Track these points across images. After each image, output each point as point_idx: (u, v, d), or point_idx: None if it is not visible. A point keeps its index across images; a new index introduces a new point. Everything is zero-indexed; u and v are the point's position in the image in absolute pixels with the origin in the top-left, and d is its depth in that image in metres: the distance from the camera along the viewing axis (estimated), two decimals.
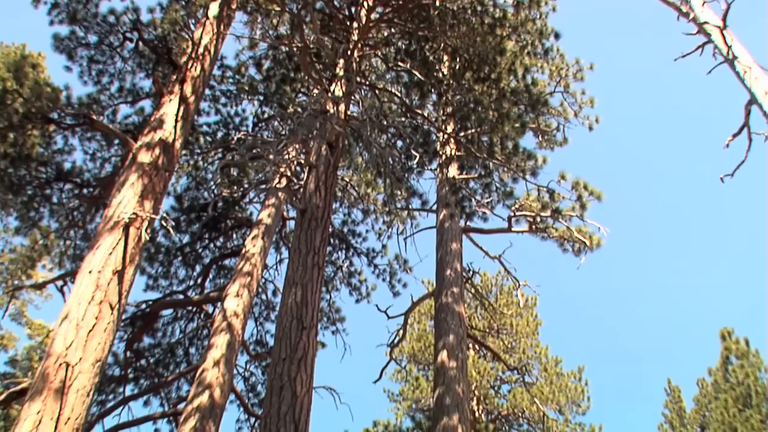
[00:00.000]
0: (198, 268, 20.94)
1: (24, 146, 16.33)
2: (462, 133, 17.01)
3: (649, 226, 69.59)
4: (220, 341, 14.00)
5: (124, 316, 13.26)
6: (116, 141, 17.22)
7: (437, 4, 13.84)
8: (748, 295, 60.71)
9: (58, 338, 8.67)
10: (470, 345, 26.92)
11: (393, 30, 15.67)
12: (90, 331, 8.82)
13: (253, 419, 20.52)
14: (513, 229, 18.33)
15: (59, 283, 17.81)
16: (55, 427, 7.85)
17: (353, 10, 15.34)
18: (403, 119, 16.04)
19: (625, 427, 56.65)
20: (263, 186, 19.03)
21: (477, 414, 27.68)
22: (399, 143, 17.21)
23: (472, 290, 21.32)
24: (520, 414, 27.77)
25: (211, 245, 21.25)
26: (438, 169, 18.48)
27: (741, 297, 61.50)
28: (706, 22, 12.53)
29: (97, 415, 17.39)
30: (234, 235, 21.51)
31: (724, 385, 29.08)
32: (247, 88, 19.85)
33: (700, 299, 65.95)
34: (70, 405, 8.13)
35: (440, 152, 17.87)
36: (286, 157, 16.79)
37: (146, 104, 17.59)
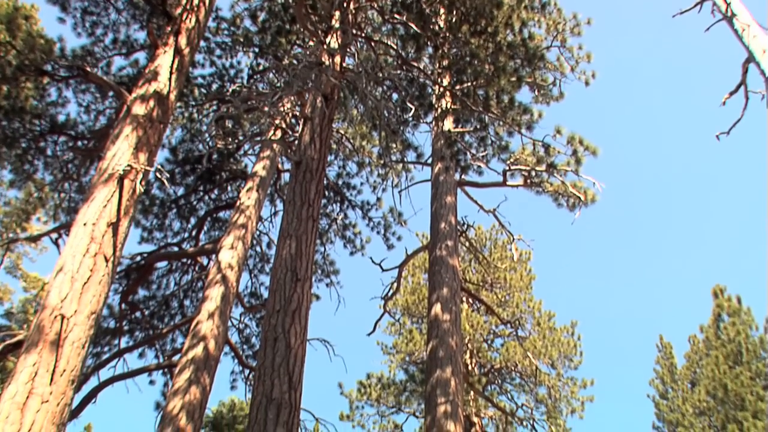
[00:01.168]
0: (193, 220, 20.97)
1: (17, 99, 16.23)
2: (458, 87, 16.92)
3: (643, 183, 69.66)
4: (215, 293, 14.05)
5: (119, 269, 13.30)
6: (111, 93, 17.13)
7: None
8: (742, 252, 60.92)
9: (53, 291, 8.67)
10: (464, 298, 27.04)
11: None
12: (85, 283, 8.82)
13: (247, 371, 20.67)
14: (508, 183, 18.32)
15: (54, 235, 17.86)
16: (51, 379, 7.88)
17: None
18: (399, 72, 15.97)
19: (616, 383, 57.15)
20: (258, 138, 19.00)
21: (470, 367, 27.85)
22: (394, 96, 17.16)
23: (467, 244, 21.36)
24: (512, 367, 27.91)
25: (206, 197, 21.24)
26: (433, 123, 18.41)
27: (735, 254, 61.74)
28: None
29: (92, 367, 17.49)
30: (229, 188, 21.50)
31: (715, 342, 29.34)
32: (242, 39, 19.71)
33: (694, 255, 66.20)
34: (65, 357, 8.15)
35: (436, 105, 17.80)
36: (282, 109, 16.76)
37: (141, 56, 17.51)
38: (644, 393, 36.34)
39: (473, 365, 28.31)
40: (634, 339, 66.14)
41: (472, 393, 26.50)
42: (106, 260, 9.28)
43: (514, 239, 20.59)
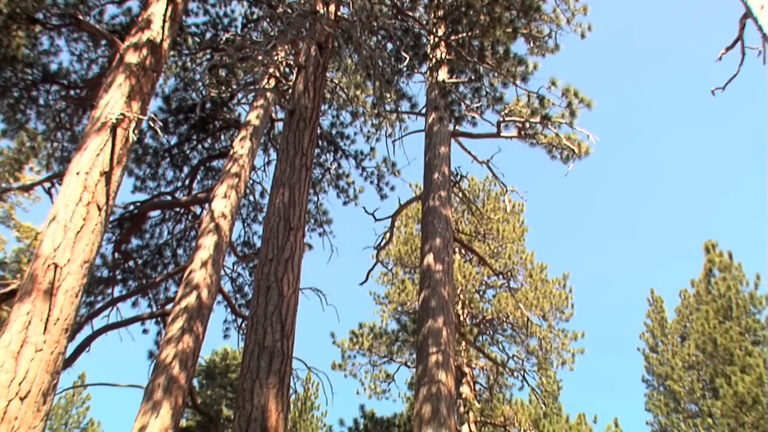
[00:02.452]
0: (186, 169, 20.92)
1: (9, 47, 16.10)
2: (453, 37, 16.83)
3: (637, 136, 69.64)
4: (208, 242, 14.07)
5: (112, 218, 13.30)
6: (103, 42, 17.02)
7: None
8: (735, 207, 61.14)
9: (46, 240, 8.68)
10: (456, 249, 27.14)
11: None
12: (78, 232, 8.83)
13: (240, 320, 20.77)
14: (502, 134, 18.27)
15: (47, 185, 17.83)
16: (45, 328, 7.91)
17: None
18: (394, 21, 15.85)
19: (607, 335, 57.54)
20: (252, 87, 18.90)
21: (462, 317, 28.00)
22: (389, 46, 17.06)
23: (460, 194, 21.34)
24: (504, 319, 28.05)
25: (199, 146, 21.17)
26: (428, 73, 18.33)
27: (728, 209, 61.95)
28: None
29: (86, 316, 17.55)
30: (222, 137, 21.43)
31: (705, 297, 29.57)
32: None
33: (687, 209, 66.40)
34: (59, 306, 8.18)
35: (430, 55, 17.71)
36: (275, 57, 16.64)
37: (134, 4, 17.44)
38: (634, 346, 36.77)
39: (465, 316, 28.47)
40: (626, 292, 66.63)
41: (463, 343, 26.66)
42: (99, 209, 9.28)
43: (507, 191, 20.58)
